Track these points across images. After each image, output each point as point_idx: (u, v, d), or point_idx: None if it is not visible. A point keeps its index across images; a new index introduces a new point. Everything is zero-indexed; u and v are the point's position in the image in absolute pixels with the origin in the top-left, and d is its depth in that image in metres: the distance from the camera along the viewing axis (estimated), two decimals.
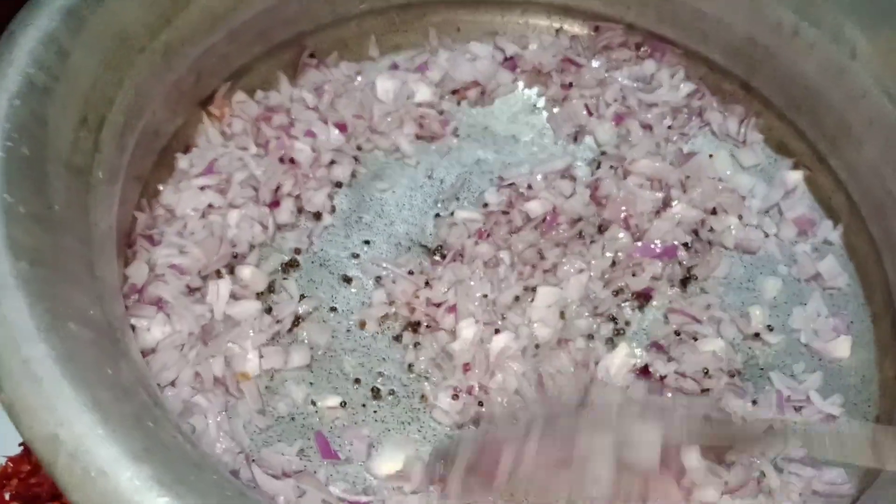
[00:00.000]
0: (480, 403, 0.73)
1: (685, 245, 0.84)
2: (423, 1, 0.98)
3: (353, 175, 0.88)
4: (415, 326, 0.77)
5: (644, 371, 0.77)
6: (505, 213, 0.84)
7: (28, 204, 0.58)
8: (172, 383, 0.69)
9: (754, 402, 0.75)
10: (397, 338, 0.77)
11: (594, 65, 0.98)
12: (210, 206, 0.80)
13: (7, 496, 0.69)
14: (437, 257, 0.82)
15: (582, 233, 0.83)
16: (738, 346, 0.80)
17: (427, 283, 0.79)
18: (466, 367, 0.74)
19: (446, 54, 0.97)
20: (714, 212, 0.86)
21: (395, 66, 0.96)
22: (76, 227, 0.62)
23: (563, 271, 0.80)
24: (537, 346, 0.76)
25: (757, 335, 0.80)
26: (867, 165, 0.84)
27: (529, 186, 0.86)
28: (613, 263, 0.82)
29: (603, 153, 0.92)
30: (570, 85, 0.96)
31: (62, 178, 0.62)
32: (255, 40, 0.88)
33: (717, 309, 0.81)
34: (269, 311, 0.76)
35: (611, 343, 0.79)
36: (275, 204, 0.82)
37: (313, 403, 0.72)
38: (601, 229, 0.84)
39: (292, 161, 0.85)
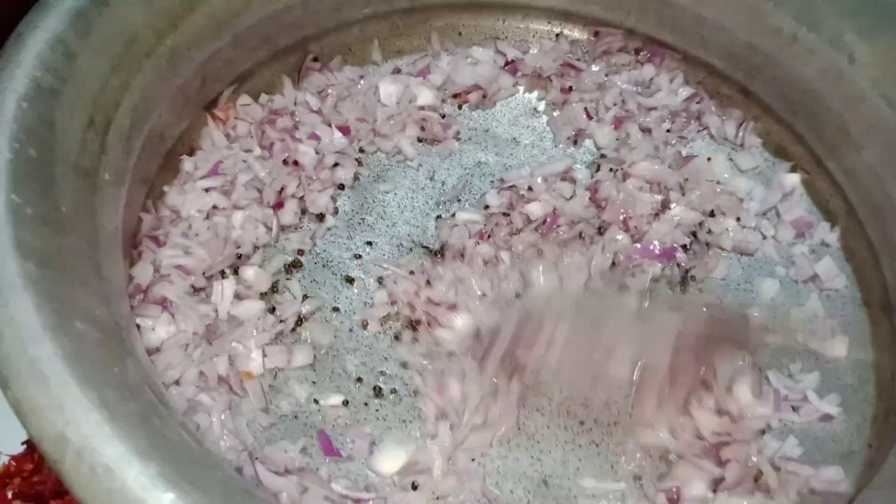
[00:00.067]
0: None
1: (684, 247, 0.85)
2: (426, 5, 0.99)
3: (356, 177, 0.89)
4: (415, 325, 0.78)
5: None
6: (505, 214, 0.85)
7: (35, 205, 0.58)
8: (177, 382, 0.70)
9: None
10: (397, 336, 0.78)
11: (594, 69, 0.99)
12: (214, 207, 0.81)
13: (9, 495, 0.69)
14: (438, 258, 0.83)
15: (582, 234, 0.84)
16: None
17: (428, 283, 0.79)
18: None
19: (448, 58, 0.98)
20: (712, 214, 0.87)
21: (397, 70, 0.97)
22: (83, 229, 0.63)
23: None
24: None
25: None
26: (865, 169, 0.84)
27: (530, 188, 0.87)
28: (613, 264, 0.83)
29: (602, 156, 0.92)
30: (570, 89, 0.97)
31: (69, 180, 0.63)
32: (260, 45, 0.89)
33: None
34: (272, 311, 0.77)
35: None
36: (278, 205, 0.83)
37: (316, 402, 0.73)
38: (601, 231, 0.84)
39: (296, 163, 0.86)
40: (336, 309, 0.79)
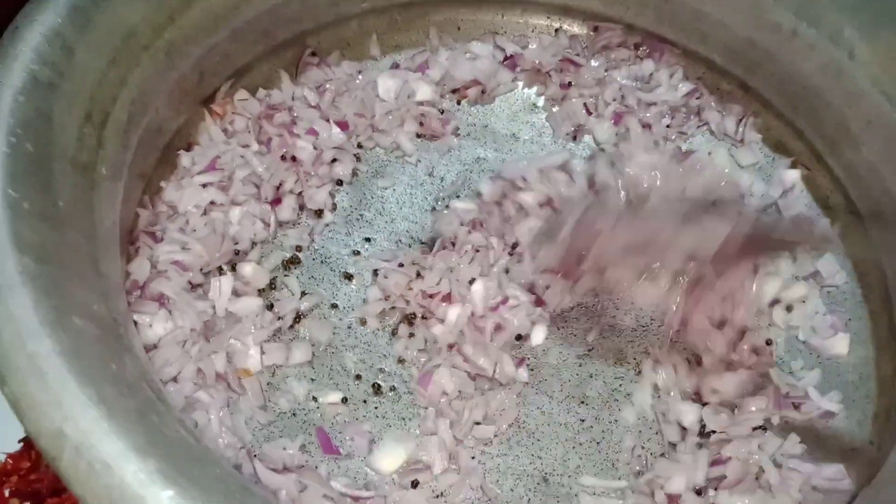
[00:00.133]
0: None
1: None
2: (424, 0, 0.98)
3: (355, 173, 0.88)
4: (410, 319, 0.78)
5: None
6: (498, 203, 0.85)
7: (33, 200, 0.58)
8: (175, 379, 0.69)
9: None
10: (394, 332, 0.77)
11: (593, 64, 0.99)
12: (212, 203, 0.80)
13: (7, 493, 0.69)
14: (428, 248, 0.82)
15: None
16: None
17: (419, 275, 0.79)
18: (451, 347, 0.75)
19: (447, 53, 0.98)
20: None
21: (395, 65, 0.97)
22: (80, 224, 0.63)
23: None
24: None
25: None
26: (865, 165, 0.84)
27: (524, 179, 0.86)
28: None
29: (602, 150, 0.92)
30: (570, 84, 0.97)
31: (67, 175, 0.62)
32: (258, 39, 0.89)
33: None
34: (270, 307, 0.76)
35: None
36: (276, 201, 0.83)
37: (314, 399, 0.73)
38: None
39: (294, 159, 0.85)
40: (334, 305, 0.79)
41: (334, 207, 0.85)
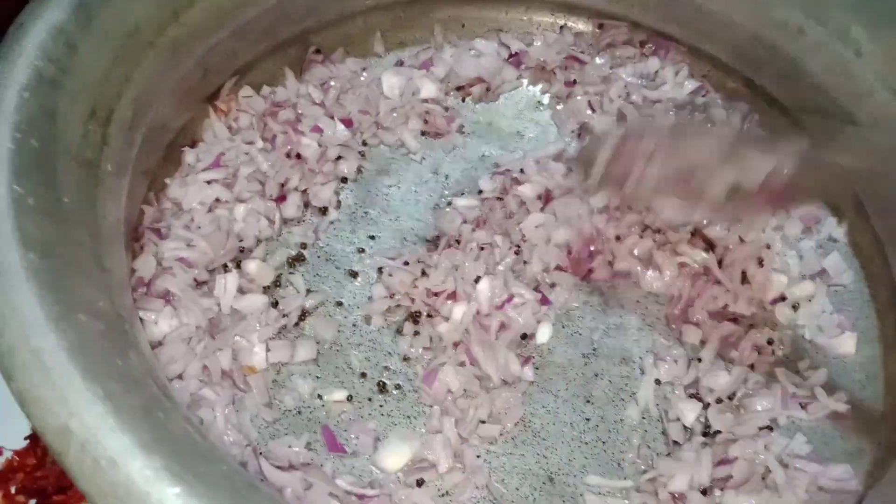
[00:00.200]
0: None
1: None
2: None
3: (359, 170, 0.88)
4: (415, 317, 0.77)
5: None
6: (499, 199, 0.84)
7: (37, 196, 0.57)
8: (180, 376, 0.69)
9: None
10: (399, 330, 0.77)
11: (598, 62, 0.98)
12: (217, 200, 0.80)
13: (13, 489, 0.69)
14: (433, 246, 0.82)
15: None
16: None
17: (424, 273, 0.79)
18: (456, 345, 0.75)
19: (451, 51, 0.98)
20: None
21: (400, 63, 0.97)
22: (85, 220, 0.62)
23: None
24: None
25: None
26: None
27: (522, 171, 0.86)
28: None
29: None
30: (574, 82, 0.97)
31: (71, 171, 0.62)
32: (262, 37, 0.89)
33: None
34: (275, 305, 0.76)
35: None
36: (281, 198, 0.83)
37: (320, 397, 0.72)
38: None
39: (298, 156, 0.85)
40: (339, 303, 0.79)
41: (339, 205, 0.85)
